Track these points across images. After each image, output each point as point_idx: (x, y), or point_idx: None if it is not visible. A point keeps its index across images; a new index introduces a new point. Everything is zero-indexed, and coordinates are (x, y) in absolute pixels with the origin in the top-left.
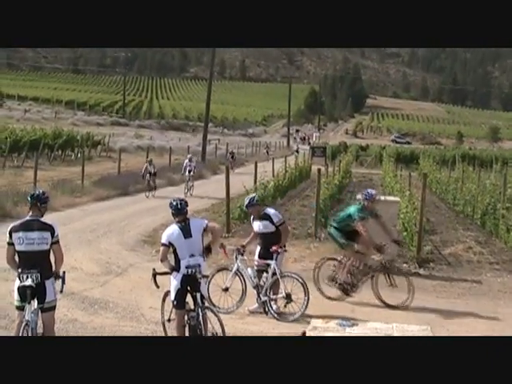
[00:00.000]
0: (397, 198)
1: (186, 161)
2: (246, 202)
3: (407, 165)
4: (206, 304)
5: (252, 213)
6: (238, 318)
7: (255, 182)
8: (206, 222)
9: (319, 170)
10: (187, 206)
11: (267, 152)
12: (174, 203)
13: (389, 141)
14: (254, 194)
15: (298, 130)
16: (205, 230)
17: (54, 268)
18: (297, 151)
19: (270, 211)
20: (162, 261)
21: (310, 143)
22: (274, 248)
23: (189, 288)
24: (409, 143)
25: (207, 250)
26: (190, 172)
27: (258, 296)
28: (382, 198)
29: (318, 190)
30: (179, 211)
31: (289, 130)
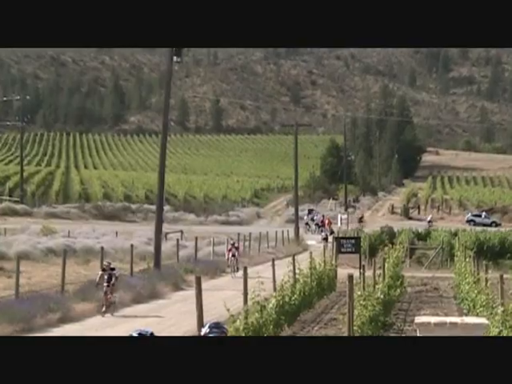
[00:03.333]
0: (482, 319)
1: None
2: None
3: (495, 261)
4: None
5: None
6: None
7: (245, 300)
8: None
9: (351, 277)
10: None
11: (233, 256)
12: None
13: (463, 222)
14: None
15: (311, 211)
16: None
17: None
18: (325, 239)
19: None
20: None
21: (332, 231)
22: None
23: None
24: (497, 225)
25: None
26: None
27: None
28: (458, 320)
29: (350, 309)
30: None
31: (297, 210)
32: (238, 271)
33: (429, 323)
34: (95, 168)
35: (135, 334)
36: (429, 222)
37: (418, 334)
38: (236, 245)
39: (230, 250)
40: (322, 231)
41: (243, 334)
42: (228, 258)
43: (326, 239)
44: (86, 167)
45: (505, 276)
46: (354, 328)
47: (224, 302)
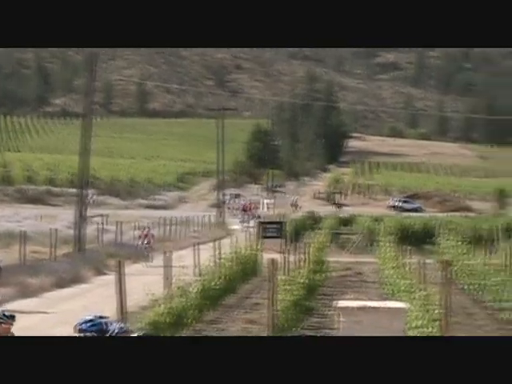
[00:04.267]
0: (402, 304)
1: None
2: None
3: (419, 246)
4: None
5: None
6: None
7: (168, 285)
8: None
9: (273, 261)
10: None
11: (148, 243)
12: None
13: (387, 208)
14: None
15: (237, 196)
16: None
17: None
18: (243, 221)
19: None
20: None
21: (256, 216)
22: None
23: None
24: (420, 210)
25: None
26: None
27: None
28: (379, 304)
29: (271, 293)
30: None
31: (221, 195)
32: (151, 260)
33: (351, 307)
34: (17, 151)
35: (90, 317)
36: (417, 208)
37: (341, 319)
38: (151, 232)
39: (145, 236)
40: (243, 215)
41: (166, 319)
42: (141, 246)
43: (243, 221)
44: (8, 150)
45: (427, 261)
46: (277, 312)
47: (147, 287)
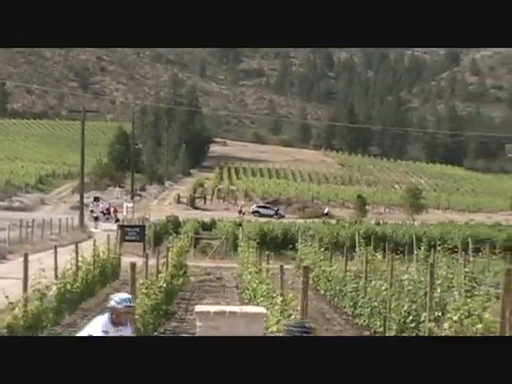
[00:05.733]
0: (261, 309)
1: None
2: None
3: (278, 251)
4: None
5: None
6: None
7: (25, 288)
8: None
9: (133, 265)
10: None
11: None
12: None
13: (248, 213)
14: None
15: (97, 199)
16: None
17: None
18: (96, 218)
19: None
20: None
21: (117, 219)
22: None
23: None
24: (280, 216)
25: None
26: None
27: None
28: (237, 309)
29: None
30: None
31: (82, 198)
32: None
33: (208, 312)
34: None
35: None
36: (326, 214)
37: (198, 323)
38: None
39: None
40: (104, 218)
41: (21, 322)
42: None
43: (96, 218)
44: None
45: (285, 267)
46: (136, 317)
47: (3, 290)
